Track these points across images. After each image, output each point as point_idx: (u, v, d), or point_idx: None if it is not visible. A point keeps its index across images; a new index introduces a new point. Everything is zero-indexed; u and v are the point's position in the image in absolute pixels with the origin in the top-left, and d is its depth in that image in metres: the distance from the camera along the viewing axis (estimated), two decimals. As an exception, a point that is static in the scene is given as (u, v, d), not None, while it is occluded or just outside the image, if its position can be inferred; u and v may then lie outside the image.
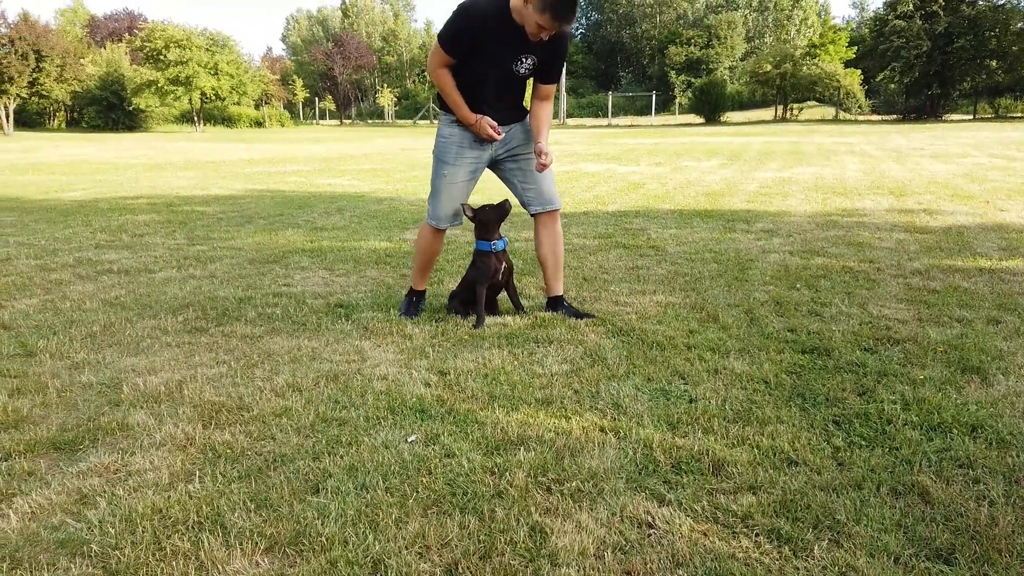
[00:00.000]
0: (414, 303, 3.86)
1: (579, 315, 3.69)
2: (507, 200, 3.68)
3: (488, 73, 3.39)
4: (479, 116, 3.43)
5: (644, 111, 52.17)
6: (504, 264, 3.67)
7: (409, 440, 2.35)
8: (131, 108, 43.55)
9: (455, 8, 3.28)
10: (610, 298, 4.09)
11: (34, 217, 7.61)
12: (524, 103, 3.65)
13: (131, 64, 44.86)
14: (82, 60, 45.28)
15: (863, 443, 2.30)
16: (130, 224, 7.04)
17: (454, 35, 3.29)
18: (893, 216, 6.82)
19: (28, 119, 45.89)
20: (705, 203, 7.96)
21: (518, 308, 3.81)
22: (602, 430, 2.42)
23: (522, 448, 2.28)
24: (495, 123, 3.45)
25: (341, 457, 2.23)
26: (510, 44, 3.29)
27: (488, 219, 3.64)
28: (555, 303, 3.80)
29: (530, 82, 3.58)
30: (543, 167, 3.50)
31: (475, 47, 3.29)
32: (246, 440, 2.36)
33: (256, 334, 3.49)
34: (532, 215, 3.75)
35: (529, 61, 3.37)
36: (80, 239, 6.22)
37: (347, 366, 3.04)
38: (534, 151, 3.53)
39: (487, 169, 3.71)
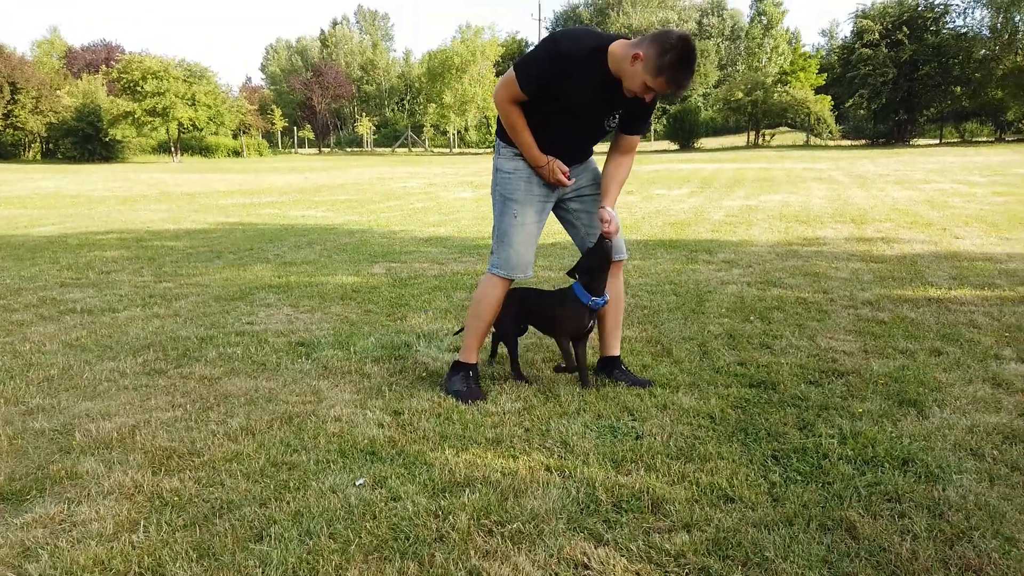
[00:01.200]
0: (472, 379, 3.21)
1: (638, 383, 3.25)
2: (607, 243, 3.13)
3: (570, 122, 3.02)
4: (550, 158, 3.06)
5: (620, 138, 52.75)
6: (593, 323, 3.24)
7: (357, 484, 2.38)
8: (107, 139, 43.35)
9: (545, 39, 2.92)
10: (569, 333, 4.15)
11: (1, 254, 7.57)
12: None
13: (108, 95, 44.76)
14: (58, 91, 45.12)
15: (799, 478, 2.37)
16: (98, 261, 7.03)
17: (539, 73, 2.86)
18: (851, 245, 6.99)
19: (2, 151, 45.53)
20: (671, 233, 8.10)
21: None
22: (548, 469, 2.47)
23: (468, 490, 2.33)
24: (567, 168, 3.10)
25: (287, 503, 2.26)
26: (603, 97, 2.92)
27: (600, 266, 3.13)
28: (610, 364, 3.38)
29: None
30: (608, 235, 3.10)
31: (559, 92, 2.89)
32: (194, 487, 2.38)
33: (215, 375, 3.51)
34: None
35: (619, 115, 3.03)
36: (46, 277, 6.21)
37: (302, 407, 3.07)
38: (598, 213, 3.14)
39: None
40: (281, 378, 3.46)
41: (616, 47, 2.81)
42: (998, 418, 2.79)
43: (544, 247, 6.81)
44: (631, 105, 2.97)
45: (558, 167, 3.07)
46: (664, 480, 2.38)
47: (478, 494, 2.29)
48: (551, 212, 3.32)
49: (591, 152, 3.33)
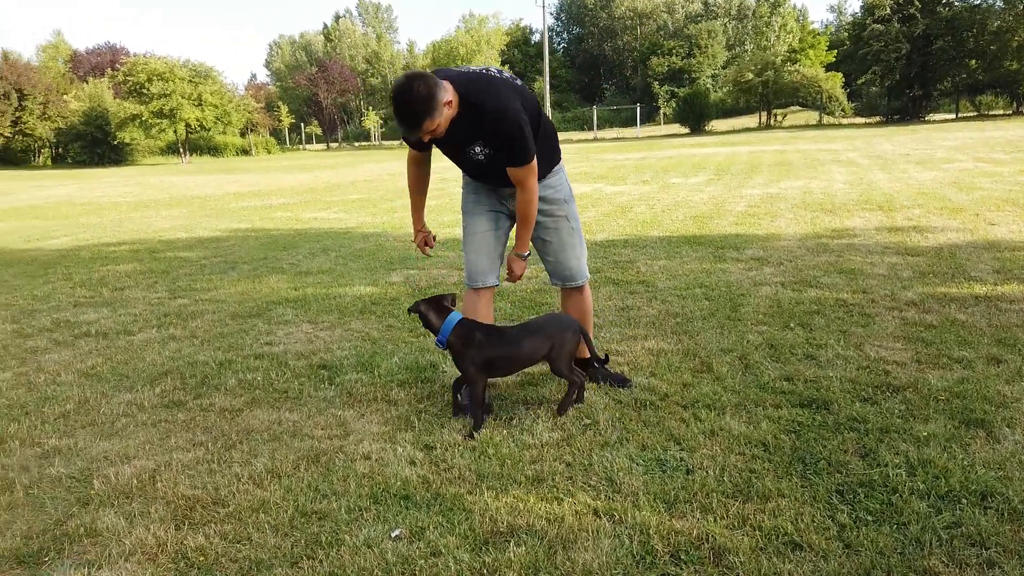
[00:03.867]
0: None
1: (614, 380, 3.36)
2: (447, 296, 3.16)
3: (452, 157, 3.15)
4: (419, 230, 3.35)
5: (629, 122, 52.36)
6: None
7: (393, 536, 2.23)
8: (116, 142, 43.39)
9: None
10: (601, 345, 3.97)
11: (14, 271, 7.47)
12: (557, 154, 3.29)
13: (114, 98, 44.77)
14: (65, 96, 45.17)
15: (869, 519, 2.19)
16: (111, 276, 6.91)
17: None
18: (883, 236, 6.75)
19: (12, 157, 45.70)
20: (693, 227, 7.88)
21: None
22: (596, 514, 2.31)
23: (512, 542, 2.17)
24: (427, 240, 3.34)
25: (320, 562, 2.11)
26: (452, 133, 2.89)
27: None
28: (584, 364, 3.44)
29: None
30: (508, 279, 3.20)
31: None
32: (221, 544, 2.23)
33: (235, 407, 3.36)
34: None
35: (479, 147, 2.98)
36: (59, 296, 6.09)
37: (329, 443, 2.92)
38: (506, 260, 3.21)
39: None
40: (304, 408, 3.30)
41: None
42: (1076, 439, 2.60)
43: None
44: (485, 138, 2.94)
45: (419, 240, 3.34)
46: (723, 524, 2.21)
47: (524, 547, 2.13)
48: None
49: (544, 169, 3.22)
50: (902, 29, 40.57)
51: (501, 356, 3.05)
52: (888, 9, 41.08)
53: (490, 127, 2.87)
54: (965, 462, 2.48)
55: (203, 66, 44.86)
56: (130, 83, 42.17)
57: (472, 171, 3.20)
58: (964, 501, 2.24)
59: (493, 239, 3.26)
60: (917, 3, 40.46)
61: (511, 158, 2.94)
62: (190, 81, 43.06)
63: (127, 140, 43.17)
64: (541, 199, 3.23)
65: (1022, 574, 1.90)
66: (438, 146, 3.08)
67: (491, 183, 3.23)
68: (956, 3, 41.60)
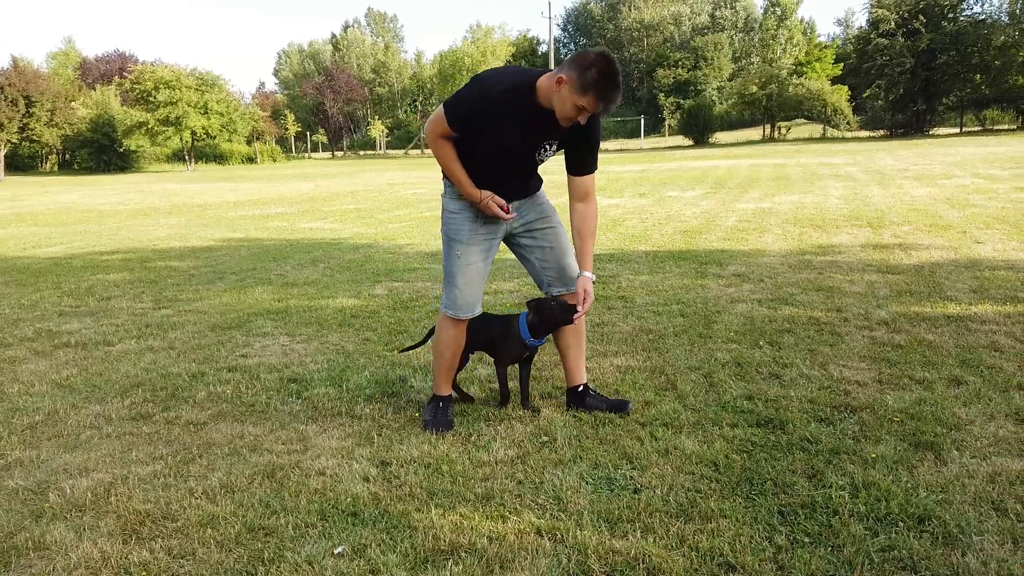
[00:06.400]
0: (441, 410, 3.26)
1: (614, 406, 3.26)
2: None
3: (502, 157, 3.00)
4: (485, 193, 3.01)
5: (635, 133, 52.48)
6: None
7: (335, 553, 2.25)
8: (122, 149, 43.74)
9: (471, 80, 2.90)
10: (570, 362, 4.00)
11: (5, 279, 7.54)
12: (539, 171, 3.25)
13: (122, 105, 45.14)
14: (73, 103, 45.55)
15: (806, 540, 2.21)
16: (99, 285, 6.97)
17: (466, 115, 2.87)
18: (867, 253, 6.76)
19: (20, 163, 46.13)
20: (681, 242, 7.91)
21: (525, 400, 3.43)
22: (539, 532, 2.32)
23: (451, 560, 2.19)
24: (503, 201, 3.05)
25: (259, 578, 2.13)
26: (533, 131, 2.91)
27: (553, 323, 3.19)
28: (580, 396, 3.33)
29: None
30: (576, 316, 3.07)
31: (488, 131, 2.90)
32: (165, 558, 2.26)
33: (201, 420, 3.40)
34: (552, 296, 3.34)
35: (553, 147, 3.02)
36: (46, 305, 6.15)
37: (287, 458, 2.95)
38: (577, 286, 3.08)
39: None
40: (268, 423, 3.33)
41: (542, 80, 2.82)
42: (1023, 463, 2.61)
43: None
44: (568, 136, 2.95)
45: (493, 202, 3.03)
46: (661, 544, 2.22)
47: (462, 566, 2.15)
48: (506, 246, 3.33)
49: (536, 187, 3.27)
50: (907, 43, 40.69)
51: None
52: (893, 23, 41.17)
53: (593, 122, 2.88)
54: (908, 485, 2.49)
55: (209, 74, 45.22)
56: (137, 91, 42.53)
57: (510, 172, 3.07)
58: (901, 525, 2.26)
59: (484, 269, 3.21)
60: (922, 18, 40.56)
61: (590, 161, 3.04)
62: (196, 89, 43.39)
63: (133, 147, 43.56)
64: (543, 206, 3.26)
65: (947, 600, 1.92)
66: (501, 140, 2.91)
67: (515, 192, 3.13)
68: (961, 18, 41.66)
